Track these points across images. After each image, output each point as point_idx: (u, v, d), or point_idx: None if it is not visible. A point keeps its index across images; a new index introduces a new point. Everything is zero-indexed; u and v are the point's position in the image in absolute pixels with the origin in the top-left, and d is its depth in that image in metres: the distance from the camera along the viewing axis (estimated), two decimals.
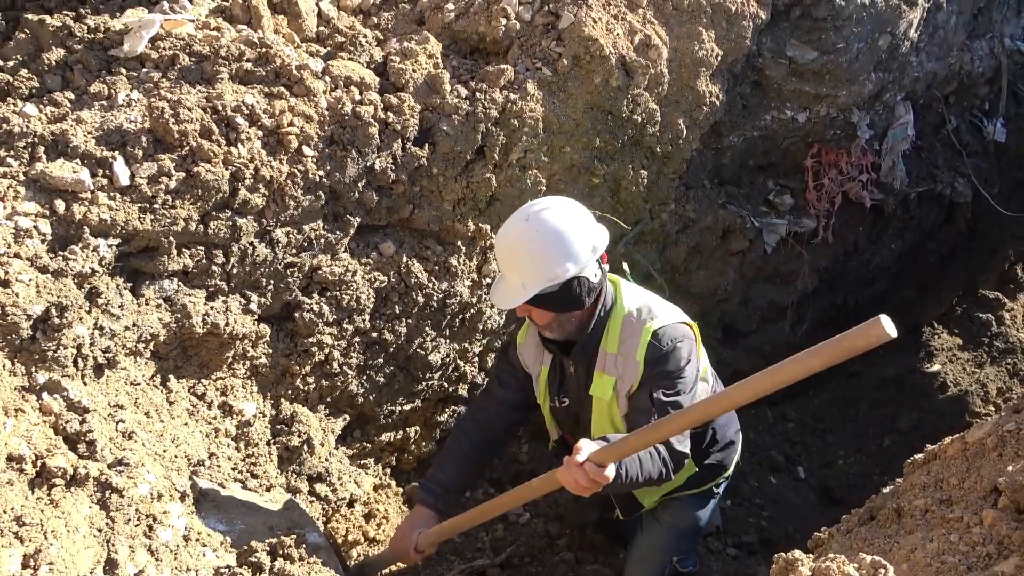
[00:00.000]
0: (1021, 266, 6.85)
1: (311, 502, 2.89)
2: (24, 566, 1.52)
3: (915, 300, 6.20)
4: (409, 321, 3.12)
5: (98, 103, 2.53)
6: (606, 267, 2.45)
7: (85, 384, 2.07)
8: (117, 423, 2.05)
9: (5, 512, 1.58)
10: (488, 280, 3.35)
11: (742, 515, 4.46)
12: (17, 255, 2.04)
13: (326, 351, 2.92)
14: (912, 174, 5.02)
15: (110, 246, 2.26)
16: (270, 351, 2.80)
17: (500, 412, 2.79)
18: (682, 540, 2.90)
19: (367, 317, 2.99)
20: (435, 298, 3.14)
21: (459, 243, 3.16)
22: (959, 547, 1.48)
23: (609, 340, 2.40)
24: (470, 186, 3.07)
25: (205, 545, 1.96)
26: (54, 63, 2.65)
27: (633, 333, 2.36)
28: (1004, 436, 1.65)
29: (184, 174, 2.40)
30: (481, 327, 3.45)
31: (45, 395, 1.94)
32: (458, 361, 3.49)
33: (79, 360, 2.07)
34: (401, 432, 3.52)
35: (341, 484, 3.04)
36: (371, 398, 3.21)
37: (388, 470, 3.57)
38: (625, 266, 3.11)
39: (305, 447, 2.85)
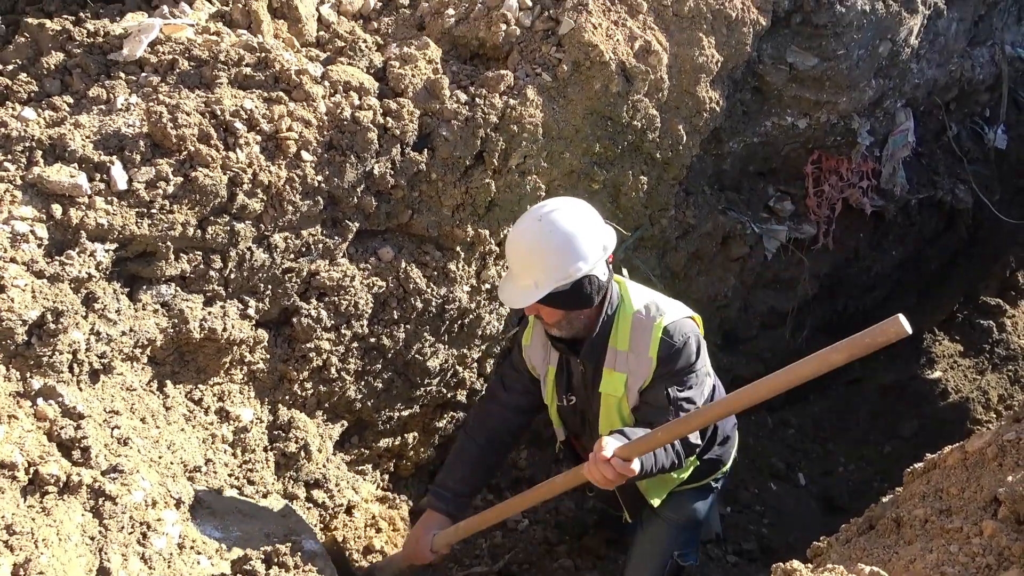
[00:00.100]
0: (1022, 273, 6.84)
1: (308, 508, 2.88)
2: (14, 575, 1.51)
3: (916, 307, 6.18)
4: (408, 326, 3.11)
5: (97, 107, 2.52)
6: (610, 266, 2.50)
7: (80, 390, 2.06)
8: (112, 429, 2.04)
9: None
10: (487, 286, 3.34)
11: (742, 522, 4.45)
12: (13, 260, 2.03)
13: (324, 356, 2.91)
14: (913, 181, 5.01)
15: (107, 251, 2.25)
16: (268, 356, 2.79)
17: (505, 416, 2.83)
18: (682, 534, 2.92)
19: (365, 322, 2.98)
20: (434, 304, 3.13)
21: (458, 249, 3.15)
22: (959, 558, 1.47)
23: (619, 338, 2.45)
24: (469, 192, 3.06)
25: (200, 553, 1.94)
26: (53, 67, 2.65)
27: (644, 330, 2.41)
28: (1004, 446, 1.64)
29: (182, 179, 2.39)
30: (480, 333, 3.44)
31: (40, 401, 1.93)
32: (457, 367, 3.48)
33: (75, 366, 2.06)
34: (399, 438, 3.50)
35: (339, 490, 3.03)
36: (369, 404, 3.19)
37: (386, 476, 3.56)
38: (625, 272, 3.11)
39: (302, 453, 2.83)
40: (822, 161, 4.52)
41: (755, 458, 4.99)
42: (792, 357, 5.70)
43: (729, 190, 4.40)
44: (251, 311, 2.68)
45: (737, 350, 5.03)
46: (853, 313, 5.78)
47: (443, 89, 2.95)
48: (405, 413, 3.39)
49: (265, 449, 2.72)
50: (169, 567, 1.83)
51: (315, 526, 2.79)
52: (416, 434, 3.58)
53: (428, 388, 3.39)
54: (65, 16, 2.85)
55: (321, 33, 3.16)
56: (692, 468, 2.73)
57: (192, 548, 1.92)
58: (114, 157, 2.33)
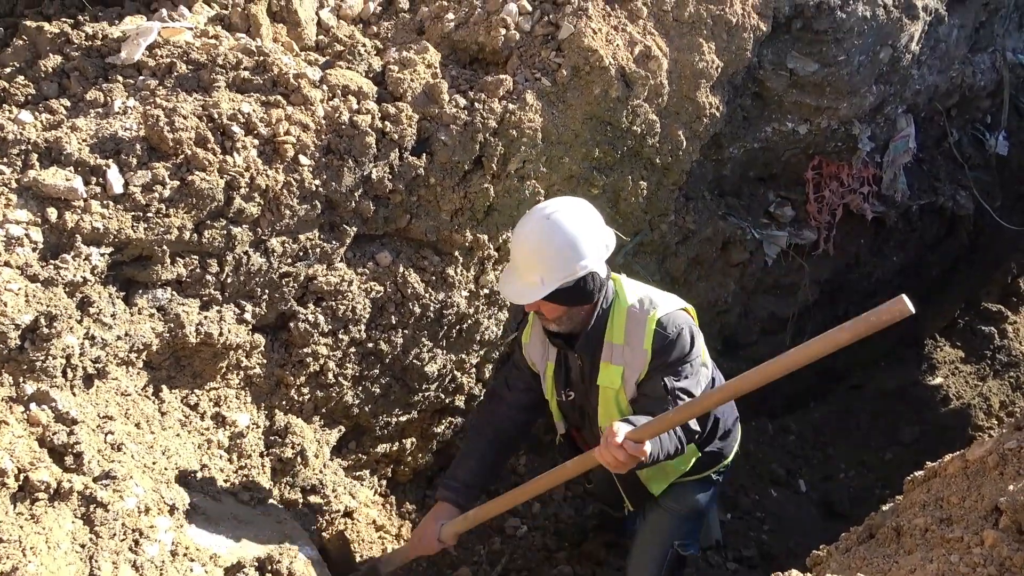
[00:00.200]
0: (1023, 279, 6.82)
1: (305, 514, 2.87)
2: None
3: (917, 313, 6.14)
4: (405, 332, 3.10)
5: (94, 110, 2.51)
6: None
7: (74, 395, 2.05)
8: (106, 435, 2.02)
9: None
10: (486, 291, 3.33)
11: (742, 529, 4.42)
12: (7, 264, 2.02)
13: (321, 361, 2.90)
14: (914, 187, 5.00)
15: (102, 255, 2.24)
16: (264, 361, 2.78)
17: (510, 414, 2.88)
18: (684, 524, 2.95)
19: (363, 327, 2.97)
20: (432, 308, 3.11)
21: (456, 253, 3.14)
22: (959, 568, 1.45)
23: (615, 332, 2.51)
24: (468, 196, 3.05)
25: (193, 560, 1.92)
26: (51, 70, 2.64)
27: (639, 324, 2.48)
28: (1005, 454, 1.62)
29: (178, 182, 2.38)
30: (478, 338, 3.42)
31: (33, 406, 1.91)
32: (455, 372, 3.46)
33: (68, 370, 2.05)
34: (397, 443, 3.49)
35: (336, 496, 3.01)
36: (367, 409, 3.18)
37: (384, 482, 3.54)
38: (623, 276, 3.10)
39: (299, 459, 2.82)
40: (823, 167, 4.51)
41: (755, 464, 4.97)
42: None
43: (729, 195, 4.39)
44: (248, 316, 2.67)
45: (737, 356, 5.00)
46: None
47: (442, 93, 2.94)
48: (403, 419, 3.37)
49: (261, 455, 2.70)
50: (161, 575, 1.81)
51: (312, 532, 2.77)
52: (414, 440, 3.57)
53: (426, 393, 3.38)
54: (64, 19, 2.85)
55: (320, 37, 3.15)
56: (694, 459, 2.77)
57: (185, 555, 1.90)
58: (110, 160, 2.32)
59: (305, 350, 2.84)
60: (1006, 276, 6.73)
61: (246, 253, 2.60)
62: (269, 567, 2.11)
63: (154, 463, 2.15)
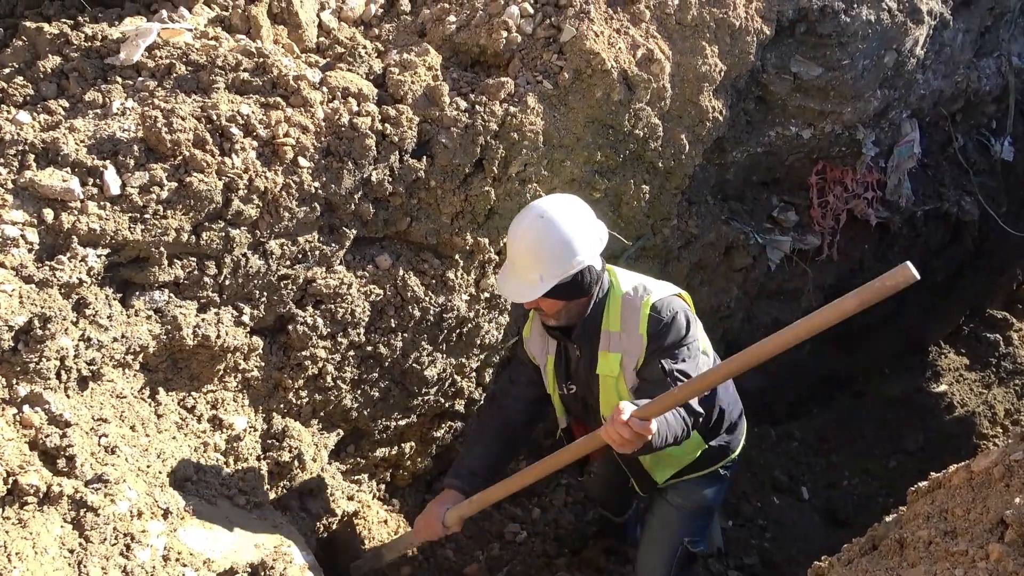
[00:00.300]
0: None
1: (302, 518, 2.84)
2: None
3: (921, 319, 6.12)
4: (405, 335, 3.08)
5: (92, 111, 2.50)
6: None
7: (68, 397, 2.03)
8: (100, 437, 2.00)
9: None
10: (486, 295, 3.30)
11: (744, 536, 4.38)
12: (2, 264, 2.00)
13: (320, 365, 2.88)
14: (918, 192, 4.96)
15: (99, 256, 2.23)
16: (262, 364, 2.76)
17: (515, 408, 2.90)
18: (692, 521, 2.96)
19: (362, 331, 2.95)
20: (432, 312, 3.09)
21: (457, 257, 3.12)
22: None
23: (611, 320, 2.56)
24: (469, 199, 3.03)
25: (185, 565, 1.90)
26: (50, 71, 2.63)
27: (634, 310, 2.52)
28: (1011, 466, 1.59)
29: (176, 184, 2.37)
30: (478, 342, 3.40)
31: (26, 408, 1.90)
32: (455, 376, 3.44)
33: (62, 372, 2.03)
34: (396, 448, 3.46)
35: (333, 500, 2.99)
36: (365, 413, 3.16)
37: (383, 486, 3.52)
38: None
39: (296, 462, 2.80)
40: (826, 171, 4.48)
41: (758, 471, 4.93)
42: (795, 368, 5.63)
43: (732, 200, 4.36)
44: (246, 318, 2.65)
45: None
46: (858, 326, 5.72)
47: (443, 96, 2.92)
48: (402, 423, 3.35)
49: (258, 458, 2.68)
50: None
51: (308, 537, 2.75)
52: (413, 444, 3.54)
53: (426, 398, 3.36)
54: (63, 20, 2.84)
55: (321, 39, 3.14)
56: (700, 452, 2.77)
57: (178, 560, 1.88)
58: (108, 162, 2.31)
59: (303, 353, 2.82)
60: (1011, 283, 6.69)
61: (244, 255, 2.58)
62: (263, 572, 2.09)
63: (148, 466, 2.13)
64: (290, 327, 2.78)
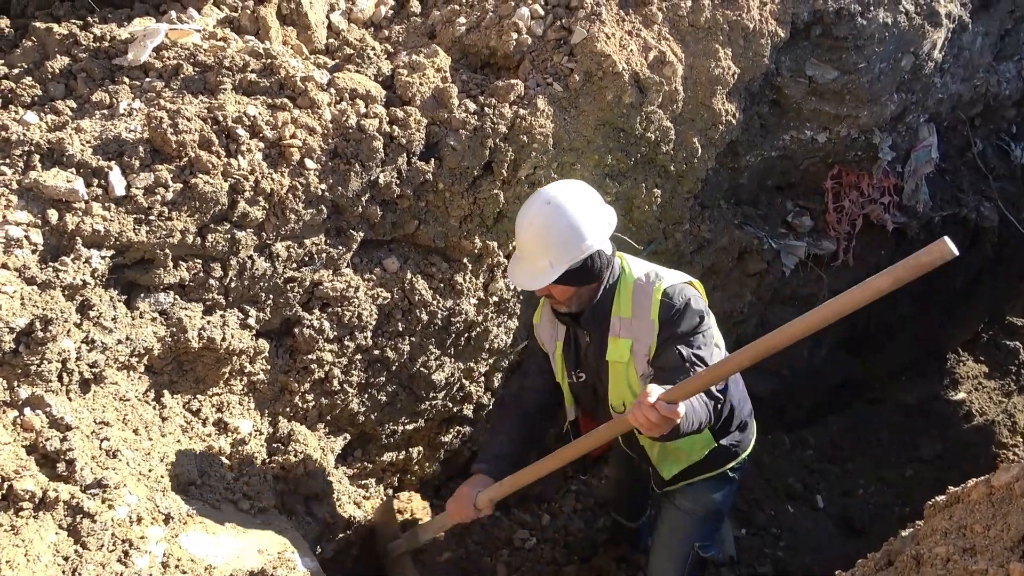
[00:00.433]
0: None
1: (308, 523, 2.81)
2: None
3: (939, 326, 6.04)
4: (412, 339, 3.05)
5: (99, 112, 2.49)
6: None
7: (70, 400, 2.01)
8: (101, 441, 1.98)
9: None
10: (495, 299, 3.27)
11: (757, 545, 4.33)
12: (4, 266, 1.99)
13: (326, 368, 2.85)
14: (936, 197, 4.89)
15: (103, 257, 2.21)
16: (268, 367, 2.74)
17: (532, 397, 2.88)
18: (702, 525, 2.93)
19: (369, 334, 2.92)
20: (439, 316, 3.06)
21: (465, 260, 3.09)
22: None
23: (622, 306, 2.54)
24: (477, 202, 3.00)
25: (185, 572, 1.87)
26: (58, 71, 2.63)
27: (645, 296, 2.50)
28: None
29: (181, 185, 2.35)
30: (487, 346, 3.37)
31: (27, 411, 1.88)
32: (463, 381, 3.41)
33: (64, 375, 2.01)
34: (404, 452, 3.43)
35: (340, 505, 2.96)
36: (372, 417, 3.13)
37: (390, 491, 3.48)
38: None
39: (302, 466, 2.77)
40: (842, 176, 4.42)
41: (771, 478, 4.87)
42: (810, 376, 5.55)
43: (746, 204, 4.30)
44: (251, 321, 2.63)
45: (754, 367, 4.89)
46: (874, 331, 5.64)
47: (451, 98, 2.90)
48: (409, 427, 3.32)
49: (263, 462, 2.65)
50: None
51: (313, 542, 2.72)
52: (421, 449, 3.51)
53: (433, 402, 3.32)
54: (73, 21, 2.83)
55: (331, 40, 3.12)
56: (709, 451, 2.73)
57: (177, 567, 1.85)
58: (113, 162, 2.30)
59: (310, 356, 2.79)
60: None
61: (250, 257, 2.56)
62: None
63: (150, 470, 2.10)
64: (296, 330, 2.76)
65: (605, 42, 3.10)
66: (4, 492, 1.64)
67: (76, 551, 1.66)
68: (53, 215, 2.16)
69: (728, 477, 2.86)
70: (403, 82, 2.89)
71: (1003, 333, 6.42)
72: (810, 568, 4.12)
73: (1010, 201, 5.28)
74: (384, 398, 3.12)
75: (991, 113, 5.05)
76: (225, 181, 2.42)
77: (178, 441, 2.41)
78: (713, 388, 2.39)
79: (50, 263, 2.10)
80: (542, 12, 3.18)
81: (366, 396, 3.06)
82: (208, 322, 2.51)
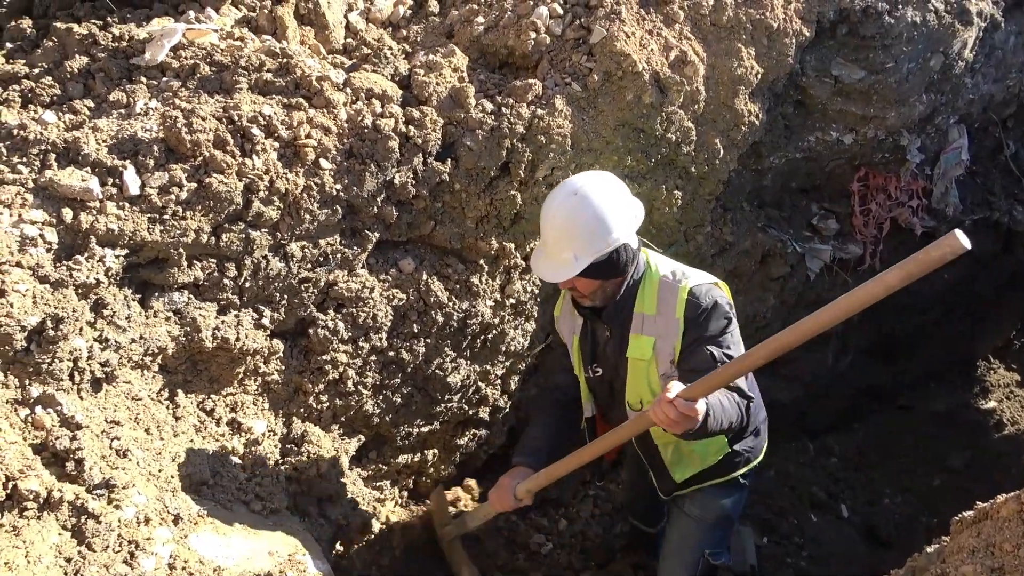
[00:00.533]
0: None
1: (321, 525, 2.80)
2: None
3: (969, 332, 5.91)
4: (428, 340, 3.02)
5: (116, 111, 2.50)
6: None
7: (81, 399, 2.01)
8: (112, 440, 1.98)
9: None
10: (512, 301, 3.24)
11: (779, 554, 4.25)
12: (19, 264, 1.99)
13: (341, 369, 2.84)
14: (966, 200, 4.77)
15: (117, 256, 2.21)
16: (283, 368, 2.73)
17: (564, 388, 2.87)
18: (712, 532, 2.90)
19: (384, 335, 2.90)
20: (455, 317, 3.03)
21: (481, 261, 3.06)
22: None
23: (646, 303, 2.50)
24: (494, 203, 2.97)
25: (192, 574, 1.86)
26: (76, 71, 2.64)
27: (671, 292, 2.47)
28: None
29: (196, 185, 2.34)
30: (504, 349, 3.33)
31: (39, 409, 1.88)
32: (479, 383, 3.37)
33: (76, 374, 2.01)
34: (419, 454, 3.41)
35: (353, 507, 2.94)
36: (387, 419, 3.11)
37: (405, 493, 3.47)
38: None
39: (315, 467, 2.75)
40: (869, 178, 4.33)
41: (795, 486, 4.78)
42: (835, 382, 5.45)
43: (769, 207, 4.23)
44: (266, 321, 2.62)
45: (777, 373, 4.83)
46: (901, 337, 5.53)
47: (468, 98, 2.87)
48: (425, 429, 3.30)
49: (276, 463, 2.65)
50: None
51: (326, 544, 2.70)
52: (436, 451, 3.49)
53: (449, 404, 3.30)
54: (93, 21, 2.85)
55: (349, 40, 3.11)
56: (722, 455, 2.71)
57: (184, 569, 1.84)
58: (128, 162, 2.30)
59: (324, 357, 2.78)
60: None
61: (265, 257, 2.56)
62: None
63: (160, 471, 2.10)
64: (311, 331, 2.74)
65: (625, 41, 3.05)
66: (9, 492, 1.63)
67: (80, 552, 1.65)
68: (68, 214, 2.16)
69: (739, 483, 2.82)
70: (419, 82, 2.87)
71: None
72: None
73: None
74: (399, 400, 3.10)
75: None
76: (240, 181, 2.41)
77: (191, 441, 2.40)
78: (745, 387, 2.40)
79: (64, 262, 2.11)
80: (561, 11, 3.14)
81: (381, 398, 3.04)
82: (222, 322, 2.51)
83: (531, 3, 3.14)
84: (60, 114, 2.47)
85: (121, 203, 2.24)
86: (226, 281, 2.49)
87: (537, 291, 3.32)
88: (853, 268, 4.51)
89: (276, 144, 2.52)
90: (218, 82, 2.60)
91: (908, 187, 4.42)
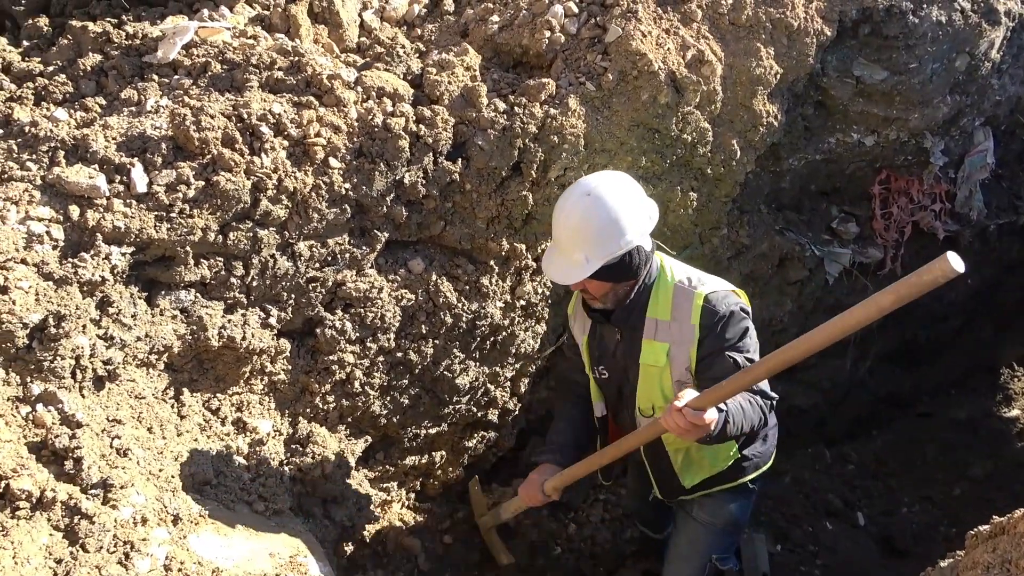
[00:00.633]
0: None
1: (325, 526, 2.79)
2: None
3: (993, 339, 5.79)
4: (436, 342, 3.00)
5: (127, 109, 2.50)
6: None
7: (83, 397, 2.01)
8: (113, 439, 1.97)
9: None
10: (522, 302, 3.20)
11: (793, 562, 4.18)
12: (24, 261, 1.99)
13: (348, 370, 2.82)
14: (991, 205, 4.66)
15: (123, 254, 2.21)
16: (289, 367, 2.72)
17: (581, 389, 2.85)
18: (720, 538, 2.87)
19: (392, 336, 2.88)
20: (464, 319, 3.01)
21: (492, 263, 3.03)
22: None
23: (660, 308, 2.46)
24: (505, 204, 2.94)
25: (188, 575, 1.85)
26: (90, 69, 2.65)
27: (686, 299, 2.43)
28: None
29: (204, 183, 2.34)
30: (513, 351, 3.30)
31: (40, 407, 1.88)
32: (488, 385, 3.35)
33: (78, 371, 2.01)
34: (426, 456, 3.39)
35: (359, 509, 2.93)
36: (394, 420, 3.09)
37: (412, 495, 3.45)
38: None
39: (320, 468, 2.74)
40: (891, 181, 4.24)
41: (810, 493, 4.70)
42: (854, 388, 5.35)
43: (788, 209, 4.16)
44: (273, 320, 2.61)
45: (794, 379, 4.76)
46: (923, 343, 5.43)
47: (480, 97, 2.84)
48: (433, 431, 3.28)
49: (281, 463, 2.64)
50: None
51: (329, 545, 2.69)
52: (444, 453, 3.46)
53: (457, 406, 3.27)
54: (108, 19, 2.86)
55: (362, 39, 3.09)
56: (732, 462, 2.67)
57: (180, 570, 1.82)
58: (135, 159, 2.29)
59: (331, 357, 2.77)
60: None
61: (272, 256, 2.54)
62: None
63: (161, 470, 2.09)
64: (318, 330, 2.73)
65: (641, 40, 3.01)
66: (1, 491, 1.63)
67: (71, 553, 1.64)
68: (75, 211, 2.16)
69: (747, 489, 2.78)
70: (431, 80, 2.84)
71: None
72: None
73: None
74: (407, 401, 3.08)
75: None
76: (248, 179, 2.40)
77: (195, 440, 2.40)
78: (767, 389, 2.37)
79: (69, 259, 2.10)
80: (576, 10, 3.10)
81: (388, 399, 3.02)
82: (229, 321, 2.50)
83: (546, 1, 3.11)
84: (72, 112, 2.47)
85: (128, 201, 2.23)
86: (233, 280, 2.48)
87: (548, 293, 3.29)
88: (873, 273, 4.43)
89: (285, 142, 2.51)
90: (229, 80, 2.59)
91: (931, 190, 4.33)
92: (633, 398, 2.58)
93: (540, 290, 3.23)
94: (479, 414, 3.43)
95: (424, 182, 2.76)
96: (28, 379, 1.92)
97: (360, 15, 3.16)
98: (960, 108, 4.04)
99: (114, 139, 2.33)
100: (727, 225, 3.70)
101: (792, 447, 4.89)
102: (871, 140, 3.94)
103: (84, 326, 2.03)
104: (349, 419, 2.95)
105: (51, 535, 1.64)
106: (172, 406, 2.38)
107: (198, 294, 2.43)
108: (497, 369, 3.30)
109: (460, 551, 3.44)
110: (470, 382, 3.21)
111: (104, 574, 1.64)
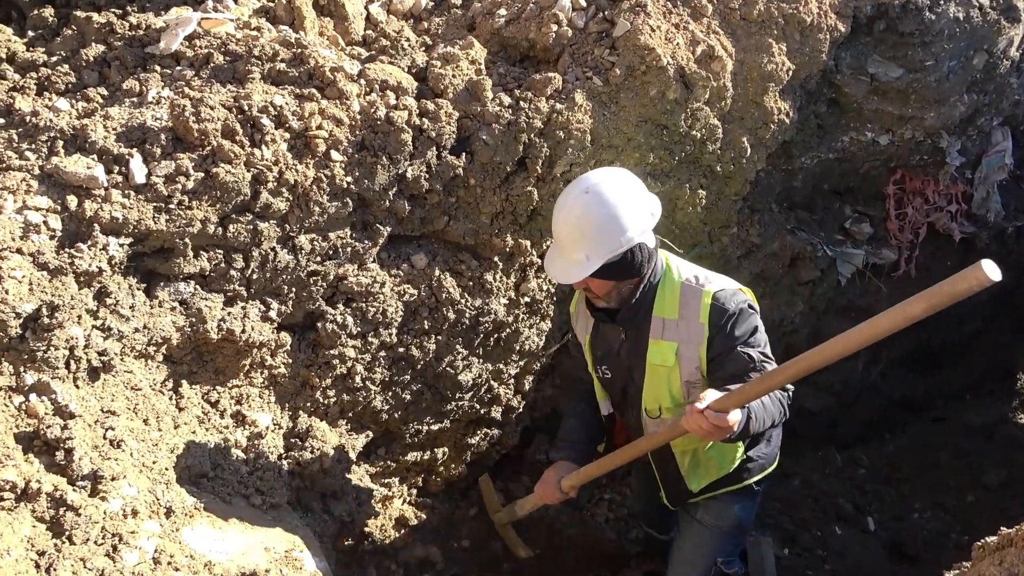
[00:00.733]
0: None
1: (324, 521, 2.77)
2: None
3: (1010, 344, 5.69)
4: (439, 338, 2.97)
5: (129, 99, 2.49)
6: None
7: (77, 387, 1.99)
8: (106, 430, 1.96)
9: None
10: (527, 299, 3.17)
11: (801, 567, 4.12)
12: (19, 250, 1.98)
13: (349, 364, 2.80)
14: (1009, 206, 4.58)
15: (121, 245, 2.19)
16: (290, 361, 2.70)
17: (589, 388, 2.81)
18: (725, 541, 2.83)
19: (394, 331, 2.86)
20: (467, 315, 2.98)
21: (496, 259, 3.00)
22: None
23: (666, 307, 2.43)
24: (510, 199, 2.91)
25: (178, 569, 1.82)
26: (92, 59, 2.64)
27: (693, 298, 2.40)
28: None
29: (203, 174, 2.32)
30: (517, 348, 3.27)
31: (33, 397, 1.87)
32: (491, 382, 3.32)
33: (72, 362, 1.99)
34: (429, 452, 3.36)
35: (358, 504, 2.91)
36: (396, 415, 3.07)
37: (414, 491, 3.42)
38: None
39: (319, 463, 2.72)
40: (905, 181, 4.18)
41: (820, 497, 4.64)
42: (865, 391, 5.28)
43: (800, 209, 4.10)
44: (273, 314, 2.59)
45: (805, 381, 4.67)
46: (939, 347, 5.34)
47: (485, 91, 2.81)
48: (435, 427, 3.25)
49: (280, 457, 2.62)
50: None
51: (327, 540, 2.67)
52: (446, 450, 3.44)
53: (460, 403, 3.24)
54: (112, 9, 2.86)
55: (368, 32, 3.07)
56: (737, 463, 2.64)
57: (170, 564, 1.80)
58: (135, 150, 2.28)
59: (332, 352, 2.75)
60: None
61: (273, 249, 2.52)
62: None
63: (155, 462, 2.07)
64: (319, 324, 2.71)
65: (650, 35, 2.97)
66: None
67: (55, 545, 1.63)
68: (72, 201, 2.15)
69: (752, 491, 2.73)
70: (436, 74, 2.81)
71: None
72: None
73: None
74: (408, 397, 3.06)
75: None
76: (248, 171, 2.38)
77: (193, 432, 2.38)
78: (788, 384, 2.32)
79: (65, 249, 2.09)
80: (584, 3, 3.07)
81: (390, 394, 3.00)
82: (228, 313, 2.48)
83: None
84: (73, 102, 2.47)
85: (127, 191, 2.22)
86: (233, 272, 2.46)
87: (553, 290, 3.25)
88: (887, 274, 4.36)
89: (286, 135, 2.49)
90: (231, 71, 2.58)
91: (947, 191, 4.26)
92: (638, 398, 2.54)
93: (545, 287, 3.19)
94: (482, 411, 3.40)
95: (427, 176, 2.73)
96: (21, 369, 1.90)
97: (366, 8, 3.13)
98: (977, 107, 3.97)
99: (114, 130, 2.32)
100: (737, 224, 3.65)
101: (801, 450, 4.83)
102: (886, 139, 3.88)
103: (79, 316, 2.02)
104: (350, 414, 2.93)
105: (34, 527, 1.62)
106: (170, 398, 2.37)
107: (197, 286, 2.42)
108: (501, 366, 3.27)
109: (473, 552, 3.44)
110: (473, 379, 3.18)
111: (90, 567, 1.63)
